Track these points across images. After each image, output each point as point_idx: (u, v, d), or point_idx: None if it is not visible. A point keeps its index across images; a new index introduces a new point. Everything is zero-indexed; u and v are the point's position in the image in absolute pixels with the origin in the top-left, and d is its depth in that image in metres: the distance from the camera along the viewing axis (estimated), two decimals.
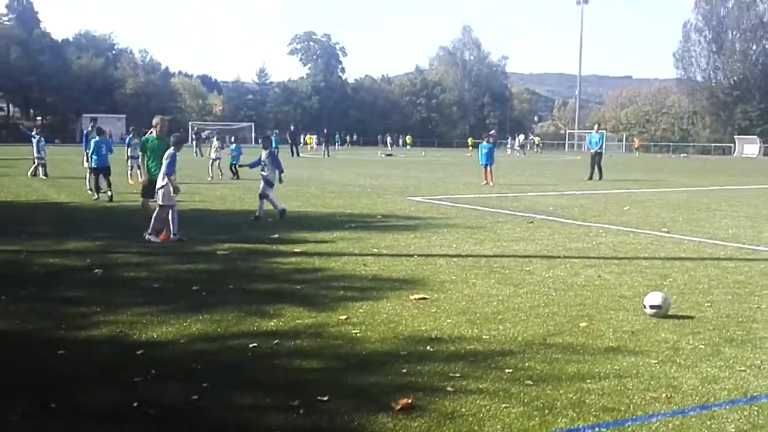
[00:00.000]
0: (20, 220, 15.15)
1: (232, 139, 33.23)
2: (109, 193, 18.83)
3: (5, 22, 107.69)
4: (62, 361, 5.84)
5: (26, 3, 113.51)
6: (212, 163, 28.63)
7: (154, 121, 13.51)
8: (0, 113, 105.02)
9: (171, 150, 12.18)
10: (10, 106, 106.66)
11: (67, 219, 15.42)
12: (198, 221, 14.63)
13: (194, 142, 53.70)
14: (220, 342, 6.43)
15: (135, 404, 4.87)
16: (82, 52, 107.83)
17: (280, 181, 15.69)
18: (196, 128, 78.07)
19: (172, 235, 12.05)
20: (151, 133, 13.60)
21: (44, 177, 26.68)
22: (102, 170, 19.12)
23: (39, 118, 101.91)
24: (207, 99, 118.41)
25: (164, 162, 12.11)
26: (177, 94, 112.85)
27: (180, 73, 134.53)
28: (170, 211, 12.14)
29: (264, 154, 15.44)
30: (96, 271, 9.51)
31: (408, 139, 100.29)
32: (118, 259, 10.48)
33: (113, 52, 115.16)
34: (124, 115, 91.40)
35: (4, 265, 9.97)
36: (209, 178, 27.39)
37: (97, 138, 19.54)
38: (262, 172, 15.38)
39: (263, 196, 15.20)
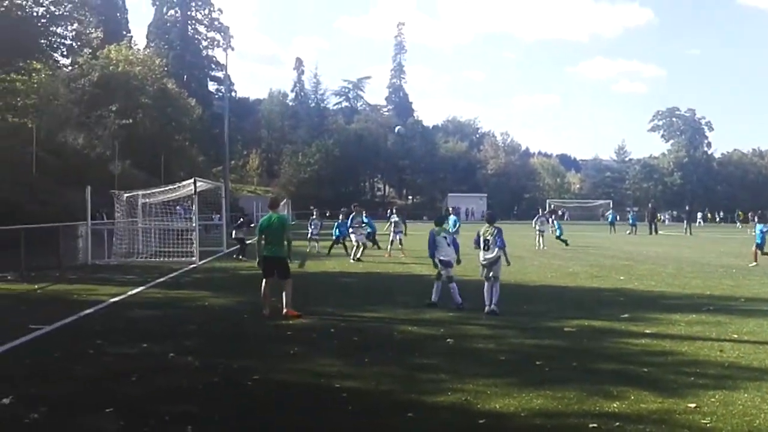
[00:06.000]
0: (389, 290, 16.59)
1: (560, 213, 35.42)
2: None
3: (384, 112, 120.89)
4: (408, 424, 6.29)
5: (402, 95, 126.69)
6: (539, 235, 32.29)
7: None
8: (378, 193, 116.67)
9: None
10: (386, 186, 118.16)
11: (427, 291, 16.49)
12: (549, 297, 14.83)
13: (547, 219, 54.63)
14: (560, 419, 6.43)
15: None
16: (449, 136, 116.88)
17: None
18: (552, 206, 78.94)
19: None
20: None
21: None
22: None
23: (410, 197, 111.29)
24: (565, 177, 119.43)
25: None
26: (536, 173, 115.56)
27: (539, 153, 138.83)
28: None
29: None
30: (448, 340, 10.11)
31: (740, 215, 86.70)
32: (469, 330, 11.00)
33: (477, 135, 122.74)
34: (485, 194, 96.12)
35: (371, 331, 11.01)
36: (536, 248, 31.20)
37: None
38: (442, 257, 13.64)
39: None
